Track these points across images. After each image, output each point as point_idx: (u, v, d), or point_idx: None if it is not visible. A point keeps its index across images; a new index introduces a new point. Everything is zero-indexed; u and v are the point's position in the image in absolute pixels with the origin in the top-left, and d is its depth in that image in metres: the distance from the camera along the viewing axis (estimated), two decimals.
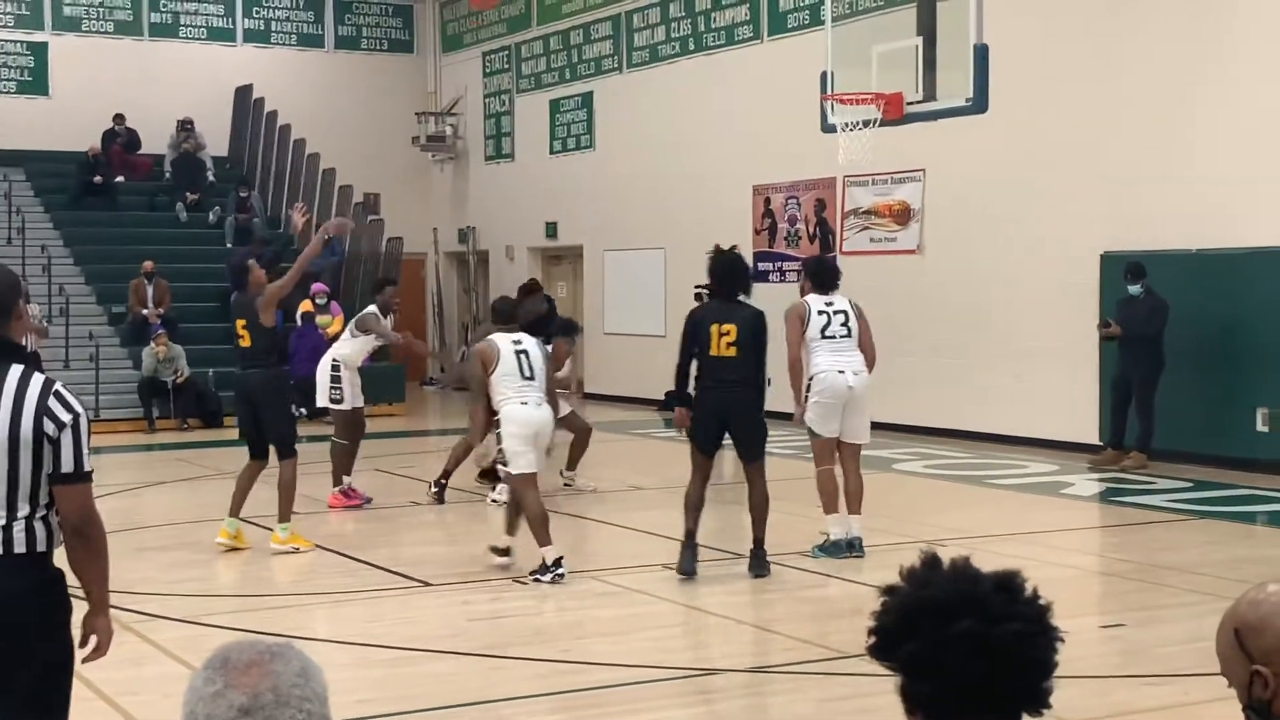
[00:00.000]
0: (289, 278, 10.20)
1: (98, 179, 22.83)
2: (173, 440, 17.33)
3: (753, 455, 9.22)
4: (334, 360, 12.14)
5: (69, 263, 21.30)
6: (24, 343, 4.27)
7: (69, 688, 3.97)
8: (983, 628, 2.22)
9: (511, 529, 9.13)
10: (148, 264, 20.22)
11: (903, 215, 17.07)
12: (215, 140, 24.47)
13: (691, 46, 20.43)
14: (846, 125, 12.10)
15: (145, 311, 19.85)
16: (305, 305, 20.05)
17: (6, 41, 24.04)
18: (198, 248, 22.60)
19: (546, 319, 12.03)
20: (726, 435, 9.22)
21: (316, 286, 20.37)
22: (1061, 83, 14.94)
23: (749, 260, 19.18)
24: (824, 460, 9.72)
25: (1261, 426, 13.05)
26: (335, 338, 20.17)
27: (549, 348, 10.23)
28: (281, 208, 24.15)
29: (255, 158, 24.63)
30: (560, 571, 8.66)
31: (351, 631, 7.58)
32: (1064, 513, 11.67)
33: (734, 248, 9.63)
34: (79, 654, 4.03)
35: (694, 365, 9.13)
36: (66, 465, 3.89)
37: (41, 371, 4.02)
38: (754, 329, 8.91)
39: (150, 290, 20.12)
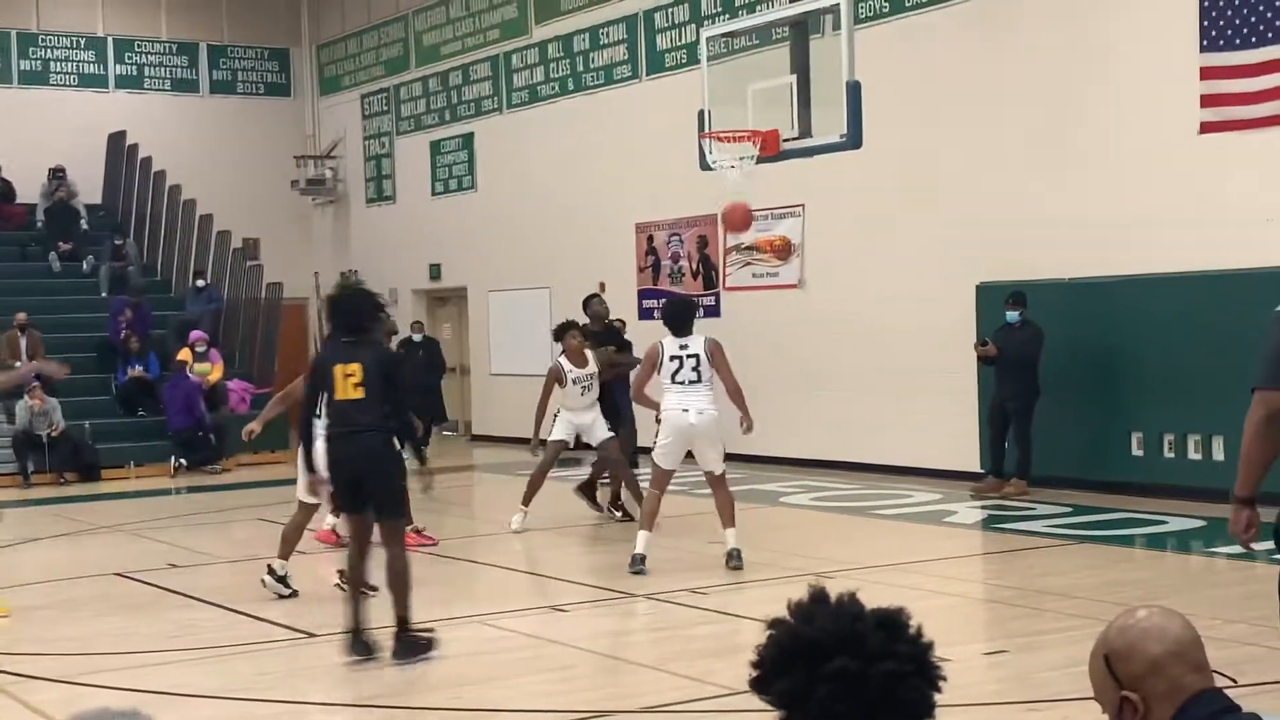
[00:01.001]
0: None
1: None
2: (50, 495, 16.91)
3: (387, 514, 8.04)
4: None
5: None
6: None
7: None
8: (857, 666, 2.21)
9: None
10: (21, 316, 19.80)
11: (784, 250, 17.25)
12: (89, 188, 24.07)
13: (571, 86, 20.51)
14: (723, 163, 12.20)
15: (19, 365, 19.38)
16: (184, 353, 19.74)
17: None
18: (72, 298, 22.18)
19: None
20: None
21: (195, 334, 20.08)
22: (936, 117, 15.23)
23: (633, 297, 19.30)
24: (656, 485, 10.60)
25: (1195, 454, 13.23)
26: (215, 386, 19.97)
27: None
28: (158, 254, 23.79)
29: (130, 205, 24.27)
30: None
31: (234, 686, 7.44)
32: (947, 541, 11.82)
33: (354, 273, 9.64)
34: None
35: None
36: None
37: None
38: (383, 367, 8.05)
39: (24, 342, 19.67)
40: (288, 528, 10.09)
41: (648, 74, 19.19)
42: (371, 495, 7.98)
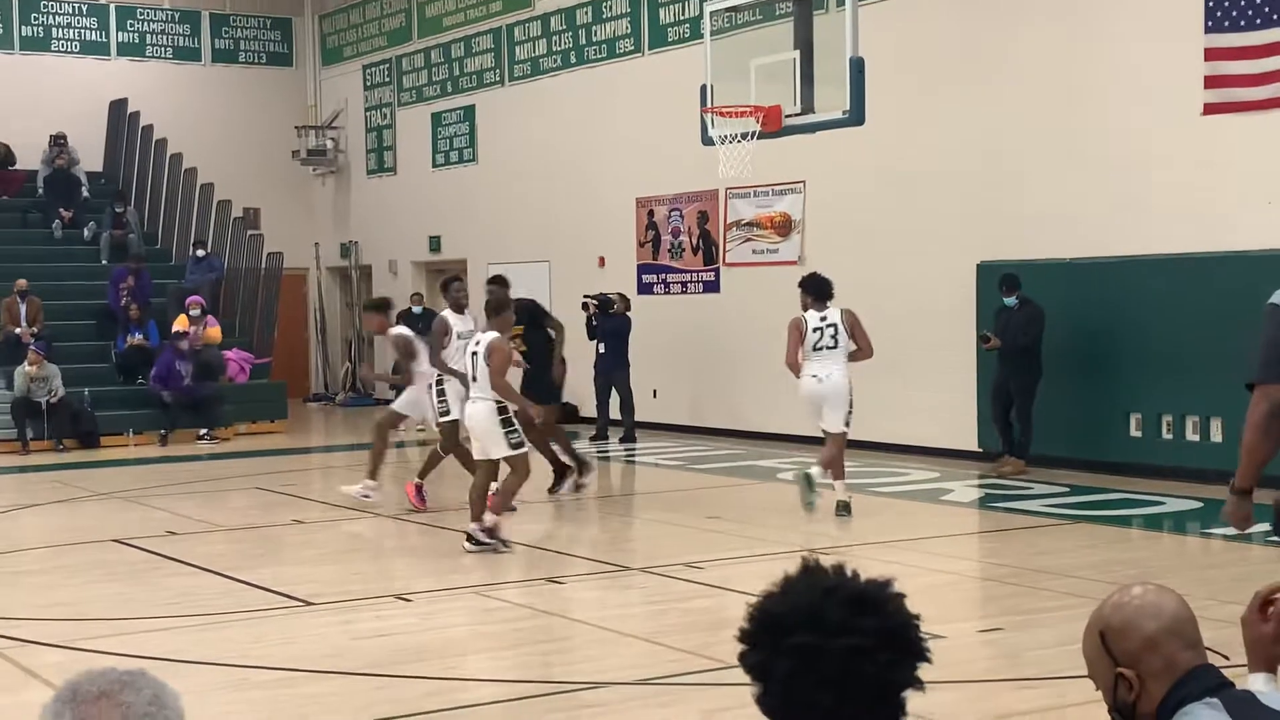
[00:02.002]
0: None
1: None
2: (48, 462, 16.93)
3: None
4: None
5: None
6: None
7: None
8: (815, 641, 2.18)
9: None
10: (21, 282, 19.78)
11: (784, 227, 17.23)
12: (90, 155, 24.00)
13: (573, 60, 20.45)
14: (726, 138, 12.18)
15: (18, 330, 19.40)
16: (181, 320, 19.73)
17: None
18: (72, 265, 22.15)
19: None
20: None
21: (192, 299, 20.06)
22: (938, 95, 15.19)
23: (633, 272, 19.29)
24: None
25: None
26: (211, 357, 19.91)
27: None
28: (159, 223, 23.76)
29: (131, 173, 24.20)
30: None
31: (230, 653, 7.46)
32: (944, 519, 11.85)
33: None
34: None
35: None
36: None
37: None
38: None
39: (23, 308, 19.66)
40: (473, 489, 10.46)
41: (650, 48, 19.14)
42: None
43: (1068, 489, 12.81)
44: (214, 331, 20.08)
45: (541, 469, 12.46)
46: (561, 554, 10.36)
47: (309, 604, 8.66)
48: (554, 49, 20.84)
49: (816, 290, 11.71)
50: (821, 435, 11.95)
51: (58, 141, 23.38)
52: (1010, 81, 14.57)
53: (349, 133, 25.65)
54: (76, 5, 24.68)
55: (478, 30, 22.38)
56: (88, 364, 19.55)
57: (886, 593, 2.27)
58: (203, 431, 18.87)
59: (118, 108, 24.30)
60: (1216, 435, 12.82)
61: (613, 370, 17.81)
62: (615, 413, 17.95)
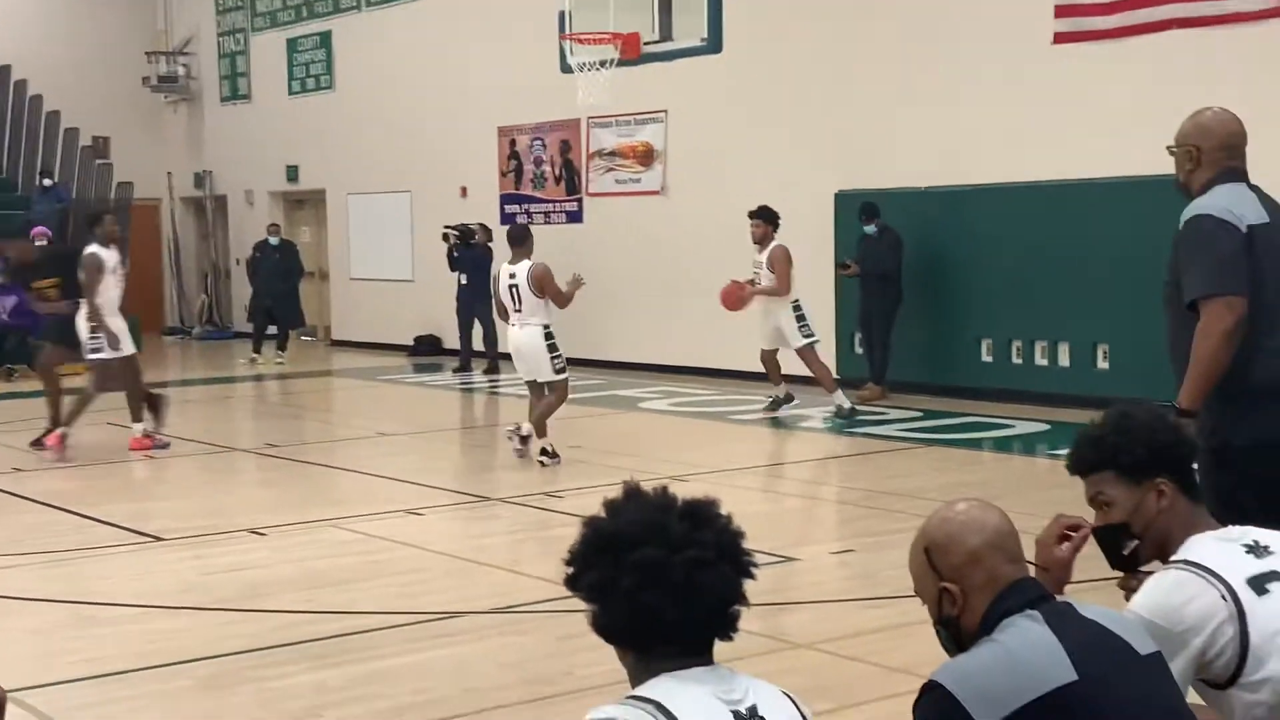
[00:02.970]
0: None
1: None
2: None
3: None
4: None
5: None
6: None
7: None
8: (661, 555, 2.27)
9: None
10: None
11: (646, 157, 17.20)
12: None
13: None
14: (585, 66, 12.12)
15: None
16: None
17: None
18: None
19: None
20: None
21: (37, 230, 19.44)
22: (795, 24, 15.21)
23: (495, 202, 19.14)
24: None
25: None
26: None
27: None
28: (3, 152, 22.98)
29: None
30: None
31: (77, 590, 7.32)
32: (801, 445, 12.01)
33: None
34: None
35: None
36: None
37: None
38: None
39: None
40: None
41: None
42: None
43: (921, 414, 13.05)
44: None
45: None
46: (422, 485, 10.31)
47: (160, 539, 8.52)
48: None
49: (772, 219, 12.95)
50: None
51: None
52: (865, 11, 14.65)
53: (201, 59, 25.01)
54: None
55: None
56: None
57: (715, 510, 2.38)
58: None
59: None
60: (1064, 360, 13.14)
61: (474, 301, 17.70)
62: (479, 344, 17.87)
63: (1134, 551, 3.26)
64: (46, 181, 21.23)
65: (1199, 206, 4.63)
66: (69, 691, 5.75)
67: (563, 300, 10.85)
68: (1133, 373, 11.89)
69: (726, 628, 2.36)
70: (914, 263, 13.95)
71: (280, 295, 19.99)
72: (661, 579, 2.26)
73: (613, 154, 17.64)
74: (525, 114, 18.65)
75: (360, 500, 9.72)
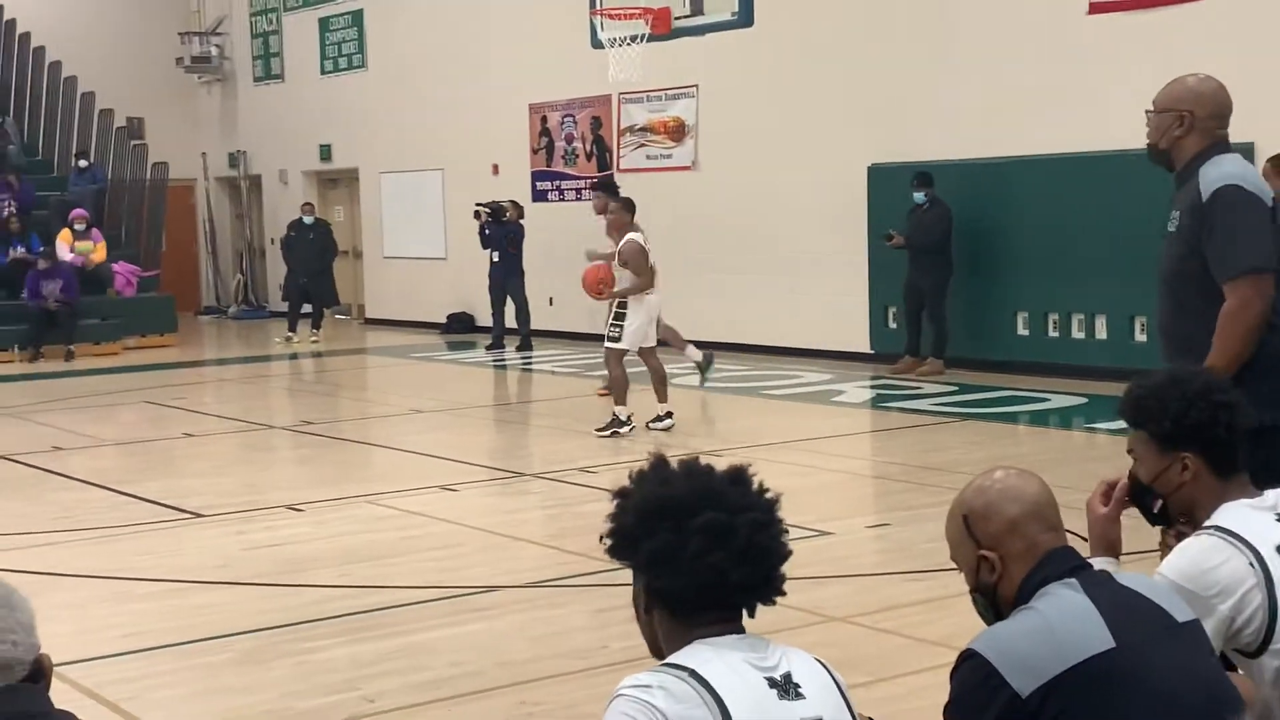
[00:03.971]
0: None
1: None
2: None
3: None
4: None
5: None
6: None
7: None
8: (725, 518, 2.31)
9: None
10: None
11: (678, 132, 17.16)
12: None
13: None
14: (615, 41, 12.08)
15: None
16: (65, 234, 19.28)
17: None
18: None
19: None
20: None
21: (76, 213, 19.60)
22: None
23: (527, 179, 19.14)
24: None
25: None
26: (99, 268, 19.57)
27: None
28: (39, 133, 23.12)
29: (9, 82, 23.49)
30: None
31: (117, 566, 7.38)
32: (836, 419, 11.98)
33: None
34: None
35: None
36: None
37: None
38: None
39: None
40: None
41: None
42: None
43: (956, 388, 13.00)
44: (100, 250, 19.60)
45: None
46: (456, 461, 10.34)
47: (199, 516, 8.58)
48: None
49: (614, 192, 12.37)
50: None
51: None
52: None
53: (234, 39, 25.06)
54: None
55: None
56: None
57: (752, 474, 2.44)
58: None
59: None
60: (1101, 332, 13.06)
61: (507, 278, 17.72)
62: (511, 321, 17.89)
63: (1163, 509, 3.27)
64: (83, 163, 21.35)
65: (1228, 176, 4.52)
66: (109, 666, 5.80)
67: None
68: None
69: (773, 590, 2.39)
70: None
71: (315, 274, 20.06)
72: (727, 542, 2.31)
73: (644, 130, 17.61)
74: (556, 90, 18.63)
75: (395, 476, 9.76)
